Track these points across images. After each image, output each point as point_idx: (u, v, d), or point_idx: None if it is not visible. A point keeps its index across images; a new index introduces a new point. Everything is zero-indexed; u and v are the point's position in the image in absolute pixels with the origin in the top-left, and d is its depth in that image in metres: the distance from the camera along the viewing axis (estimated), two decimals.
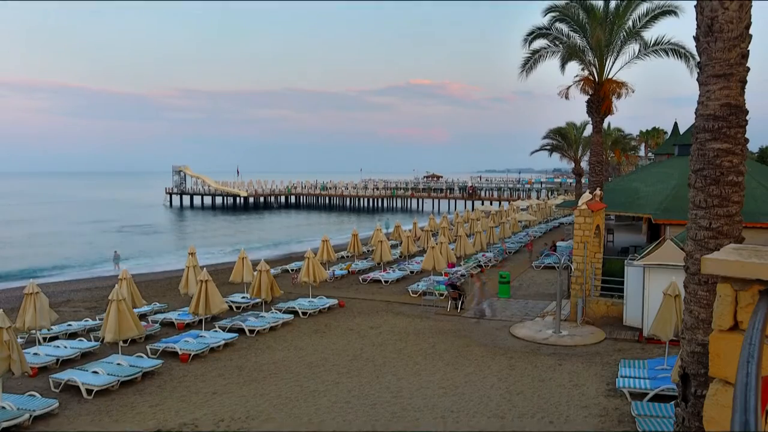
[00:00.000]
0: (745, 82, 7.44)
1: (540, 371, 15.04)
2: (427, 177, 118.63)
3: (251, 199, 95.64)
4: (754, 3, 7.35)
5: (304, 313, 21.70)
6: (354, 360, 16.29)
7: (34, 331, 17.91)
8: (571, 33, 25.74)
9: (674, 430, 8.09)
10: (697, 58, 7.76)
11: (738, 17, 7.23)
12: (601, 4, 25.46)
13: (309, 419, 12.25)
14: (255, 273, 21.39)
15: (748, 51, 7.38)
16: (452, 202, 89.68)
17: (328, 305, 22.69)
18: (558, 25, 25.75)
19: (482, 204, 76.94)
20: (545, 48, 26.49)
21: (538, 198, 78.77)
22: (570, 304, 20.90)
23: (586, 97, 26.17)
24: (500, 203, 73.61)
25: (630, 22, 25.09)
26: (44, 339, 18.25)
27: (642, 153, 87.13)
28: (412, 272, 30.16)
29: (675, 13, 24.21)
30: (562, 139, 57.10)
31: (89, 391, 13.68)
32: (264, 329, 19.33)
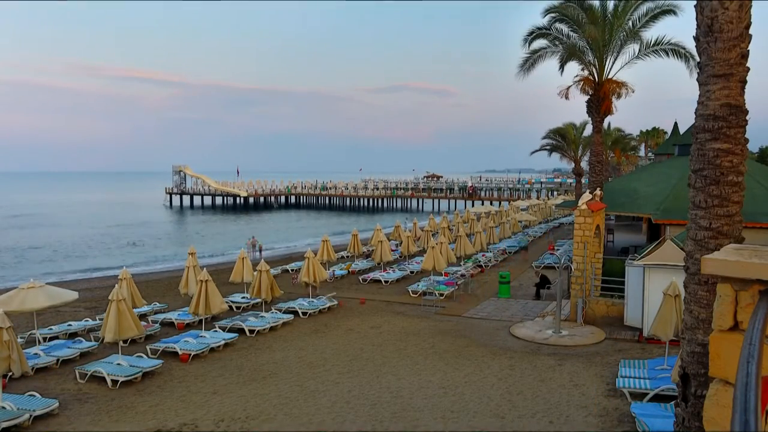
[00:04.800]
0: (745, 82, 7.43)
1: (540, 371, 15.04)
2: (427, 177, 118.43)
3: (251, 199, 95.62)
4: (754, 3, 7.36)
5: (304, 313, 21.70)
6: (354, 360, 16.29)
7: (34, 331, 17.94)
8: (571, 33, 25.75)
9: (674, 430, 8.09)
10: (697, 58, 7.76)
11: (738, 17, 7.23)
12: (603, 3, 25.47)
13: (309, 419, 12.25)
14: (255, 273, 21.40)
15: (748, 51, 7.38)
16: (452, 202, 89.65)
17: (328, 305, 22.69)
18: (558, 25, 25.76)
19: (482, 204, 76.90)
20: (545, 48, 26.50)
21: (538, 198, 78.71)
22: (570, 304, 20.90)
23: (586, 97, 26.18)
24: (500, 203, 73.57)
25: (630, 22, 25.09)
26: (44, 339, 18.26)
27: (642, 153, 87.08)
28: (412, 272, 30.16)
29: (674, 12, 24.21)
30: (561, 139, 57.07)
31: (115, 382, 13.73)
32: (264, 329, 19.33)
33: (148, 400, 13.53)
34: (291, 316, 20.92)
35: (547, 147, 58.68)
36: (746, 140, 7.60)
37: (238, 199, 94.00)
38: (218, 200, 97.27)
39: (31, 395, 13.13)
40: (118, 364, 15.19)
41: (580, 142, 56.25)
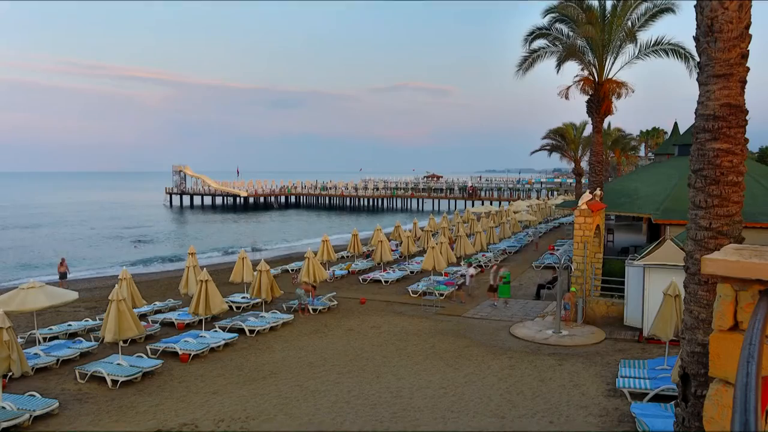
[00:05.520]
0: (745, 82, 7.43)
1: (540, 371, 15.04)
2: (427, 177, 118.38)
3: (251, 199, 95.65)
4: (754, 3, 7.36)
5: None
6: (354, 360, 16.29)
7: (34, 331, 17.94)
8: (571, 33, 25.75)
9: (674, 430, 8.09)
10: (697, 58, 7.76)
11: (738, 17, 7.23)
12: (602, 3, 25.48)
13: (309, 419, 12.25)
14: (255, 273, 21.40)
15: (748, 51, 7.38)
16: (452, 202, 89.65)
17: (327, 305, 22.70)
18: (558, 25, 25.77)
19: (482, 204, 76.89)
20: (544, 48, 26.51)
21: (538, 198, 78.69)
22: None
23: (586, 97, 26.18)
24: (500, 203, 73.55)
25: (629, 22, 25.09)
26: (44, 339, 18.26)
27: (642, 153, 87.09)
28: (412, 272, 30.15)
29: (672, 11, 24.22)
30: (561, 139, 57.12)
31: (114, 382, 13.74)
32: (264, 329, 19.34)
33: (148, 400, 13.53)
34: (291, 316, 20.92)
35: (547, 147, 58.74)
36: (746, 140, 7.60)
37: (238, 199, 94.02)
38: (218, 200, 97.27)
39: (31, 395, 13.13)
40: (118, 364, 15.19)
41: (580, 142, 56.30)
